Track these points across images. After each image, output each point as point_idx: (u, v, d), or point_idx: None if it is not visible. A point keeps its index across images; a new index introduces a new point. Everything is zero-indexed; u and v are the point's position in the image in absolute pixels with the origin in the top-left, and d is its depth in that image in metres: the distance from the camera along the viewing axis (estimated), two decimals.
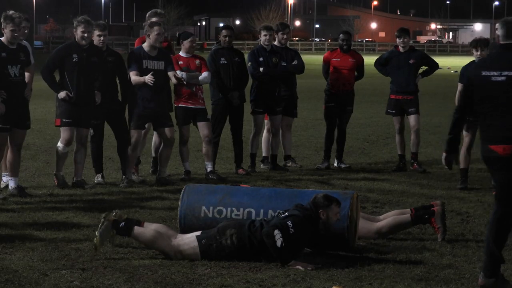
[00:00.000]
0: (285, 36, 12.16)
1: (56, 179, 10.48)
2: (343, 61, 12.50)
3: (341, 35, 12.81)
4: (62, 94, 10.33)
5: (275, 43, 12.21)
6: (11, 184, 10.02)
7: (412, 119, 12.32)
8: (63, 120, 10.42)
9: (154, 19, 11.08)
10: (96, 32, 10.81)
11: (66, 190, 10.39)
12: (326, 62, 12.64)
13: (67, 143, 10.51)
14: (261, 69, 11.73)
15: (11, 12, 9.89)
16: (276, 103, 11.90)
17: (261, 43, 11.99)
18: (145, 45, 10.77)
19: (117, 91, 10.98)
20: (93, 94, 10.52)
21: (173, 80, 10.81)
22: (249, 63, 11.82)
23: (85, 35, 10.35)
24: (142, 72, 10.61)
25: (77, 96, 10.34)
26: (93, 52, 10.54)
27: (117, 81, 10.98)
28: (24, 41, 10.60)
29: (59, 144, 10.53)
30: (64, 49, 10.54)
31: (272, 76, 11.81)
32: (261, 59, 11.81)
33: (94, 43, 10.85)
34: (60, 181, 10.46)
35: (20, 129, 9.96)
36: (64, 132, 10.48)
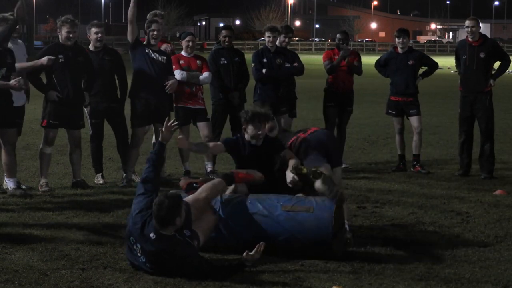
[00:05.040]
0: (286, 40, 12.16)
1: (39, 187, 10.32)
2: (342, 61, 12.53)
3: (338, 35, 12.88)
4: (52, 95, 10.28)
5: (276, 43, 12.21)
6: (10, 185, 10.00)
7: (414, 120, 12.31)
8: (50, 121, 10.37)
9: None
10: (93, 30, 10.80)
11: (66, 190, 10.40)
12: (329, 58, 12.64)
13: (50, 143, 10.49)
14: (264, 70, 11.72)
15: (6, 14, 9.91)
16: (279, 103, 11.87)
17: (266, 44, 11.98)
18: (145, 42, 10.80)
19: (116, 89, 10.97)
20: (82, 95, 10.52)
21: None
22: (253, 64, 11.81)
23: (71, 35, 10.33)
24: (146, 59, 10.62)
25: (67, 97, 10.32)
26: (79, 51, 10.52)
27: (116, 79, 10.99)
28: (19, 40, 10.58)
29: (42, 146, 10.50)
30: (50, 51, 10.41)
31: (275, 78, 11.80)
32: (264, 60, 11.80)
33: (91, 42, 10.86)
34: (43, 188, 10.27)
35: (9, 128, 9.88)
36: (48, 132, 10.45)
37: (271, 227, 7.29)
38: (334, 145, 8.53)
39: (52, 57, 10.13)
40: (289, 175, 7.83)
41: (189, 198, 7.11)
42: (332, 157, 8.29)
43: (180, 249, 6.62)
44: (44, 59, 10.08)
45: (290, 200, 7.49)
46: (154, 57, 10.67)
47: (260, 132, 8.05)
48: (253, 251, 6.71)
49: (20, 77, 9.74)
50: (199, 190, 7.30)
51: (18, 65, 10.06)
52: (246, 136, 8.11)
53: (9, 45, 10.20)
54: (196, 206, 7.05)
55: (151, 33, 10.71)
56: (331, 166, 8.15)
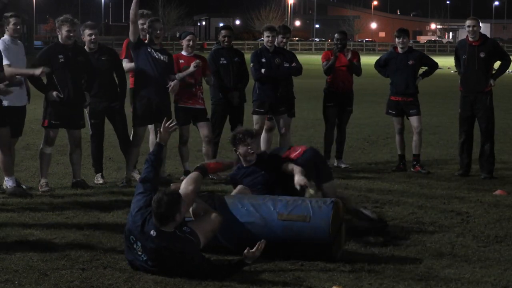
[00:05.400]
0: (284, 40, 12.16)
1: (39, 187, 10.32)
2: (340, 60, 12.54)
3: (336, 35, 12.91)
4: (52, 96, 10.26)
5: (274, 43, 12.23)
6: (9, 184, 9.98)
7: (414, 120, 12.31)
8: (52, 121, 10.36)
9: (141, 21, 11.04)
10: (87, 32, 10.81)
11: (66, 190, 10.40)
12: (327, 59, 12.65)
13: (51, 143, 10.48)
14: (262, 70, 11.72)
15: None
16: (278, 103, 11.86)
17: (264, 44, 11.97)
18: (147, 41, 10.81)
19: (115, 88, 10.95)
20: (82, 94, 10.52)
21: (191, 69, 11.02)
22: (251, 64, 11.80)
23: (71, 34, 10.32)
24: (149, 58, 10.63)
25: (67, 96, 10.32)
26: (79, 51, 10.51)
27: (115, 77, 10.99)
28: (18, 41, 10.57)
29: (43, 146, 10.49)
30: (49, 51, 10.42)
31: (274, 78, 11.81)
32: (263, 60, 11.79)
33: (86, 43, 10.85)
34: (43, 188, 10.25)
35: (1, 128, 9.81)
36: (49, 133, 10.43)
37: (268, 236, 7.17)
38: (323, 162, 8.68)
39: (47, 69, 10.09)
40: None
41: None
42: (323, 173, 8.42)
43: (180, 245, 6.63)
44: (38, 70, 10.03)
45: (287, 205, 7.40)
46: (157, 56, 10.69)
47: (249, 148, 8.19)
48: (254, 249, 6.71)
49: (22, 80, 9.73)
50: (183, 185, 7.32)
51: (11, 69, 10.01)
52: (242, 160, 8.27)
53: (9, 44, 10.20)
54: (187, 201, 7.06)
55: (154, 33, 10.72)
56: (323, 181, 8.31)
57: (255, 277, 6.73)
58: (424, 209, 9.48)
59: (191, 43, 11.36)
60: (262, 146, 12.25)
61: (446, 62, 44.38)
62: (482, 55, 11.64)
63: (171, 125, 7.57)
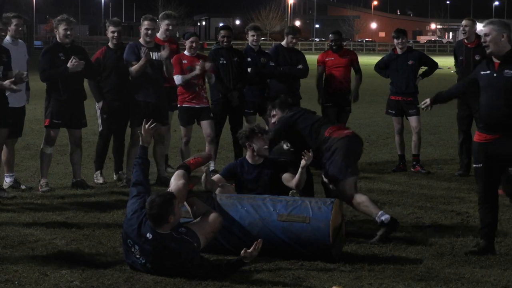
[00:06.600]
0: (294, 41, 12.17)
1: (39, 187, 10.33)
2: (337, 60, 12.58)
3: (330, 35, 12.90)
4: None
5: (283, 43, 12.23)
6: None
7: (413, 120, 12.32)
8: (54, 121, 10.37)
9: (167, 21, 11.13)
10: (111, 28, 10.86)
11: (66, 190, 10.40)
12: (321, 64, 12.67)
13: (51, 143, 10.48)
14: (248, 69, 11.75)
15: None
16: (266, 103, 11.85)
17: (249, 43, 12.01)
18: (140, 40, 10.84)
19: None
20: (83, 93, 10.53)
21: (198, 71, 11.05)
22: None
23: (68, 32, 10.35)
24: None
25: (69, 95, 10.31)
26: (78, 50, 10.53)
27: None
28: (20, 40, 10.57)
29: (43, 145, 10.49)
30: (50, 50, 10.42)
31: (261, 78, 11.84)
32: (249, 59, 11.83)
33: (109, 40, 10.89)
34: (43, 188, 10.27)
35: (2, 128, 9.80)
36: (49, 132, 10.43)
37: (268, 237, 7.18)
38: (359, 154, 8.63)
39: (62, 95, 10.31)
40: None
41: (171, 190, 7.14)
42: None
43: (177, 246, 6.63)
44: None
45: (286, 206, 7.39)
46: (152, 57, 10.68)
47: (265, 143, 8.21)
48: (251, 248, 6.71)
49: (25, 73, 9.70)
50: (172, 183, 7.33)
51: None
52: (250, 155, 8.23)
53: (8, 45, 10.20)
54: (180, 196, 7.06)
55: (145, 31, 10.74)
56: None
57: (255, 277, 6.73)
58: (424, 209, 9.49)
59: (194, 44, 11.38)
60: None
61: (446, 62, 44.31)
62: (477, 57, 11.64)
63: (151, 126, 7.60)
